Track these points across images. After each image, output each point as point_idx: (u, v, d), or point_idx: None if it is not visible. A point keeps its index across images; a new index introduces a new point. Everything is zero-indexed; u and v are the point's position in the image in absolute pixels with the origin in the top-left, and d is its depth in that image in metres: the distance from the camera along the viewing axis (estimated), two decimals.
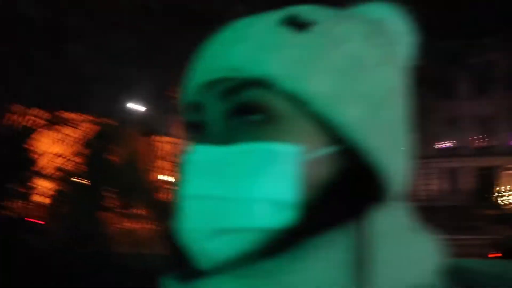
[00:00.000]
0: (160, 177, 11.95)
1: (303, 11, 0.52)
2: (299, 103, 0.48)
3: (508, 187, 24.29)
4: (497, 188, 24.41)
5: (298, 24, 0.50)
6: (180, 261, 0.52)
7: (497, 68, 16.70)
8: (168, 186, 10.44)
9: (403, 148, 0.53)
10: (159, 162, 12.31)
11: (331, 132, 0.49)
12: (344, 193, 0.48)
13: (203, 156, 0.49)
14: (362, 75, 0.50)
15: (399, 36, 0.57)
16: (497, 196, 24.06)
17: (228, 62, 0.50)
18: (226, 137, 0.50)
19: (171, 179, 12.12)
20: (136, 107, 11.09)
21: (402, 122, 0.53)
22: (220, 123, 0.51)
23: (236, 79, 0.50)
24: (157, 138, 14.92)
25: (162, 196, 8.49)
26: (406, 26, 0.58)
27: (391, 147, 0.51)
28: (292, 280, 0.44)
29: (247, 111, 0.50)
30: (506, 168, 24.54)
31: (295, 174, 0.47)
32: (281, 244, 0.46)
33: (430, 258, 0.50)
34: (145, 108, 11.62)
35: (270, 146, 0.48)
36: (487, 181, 24.93)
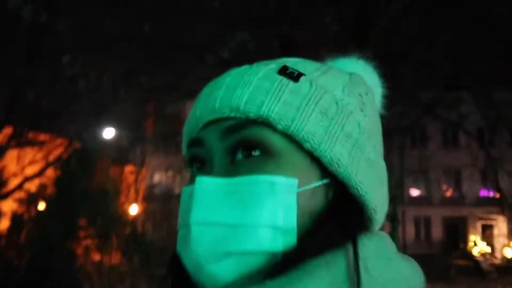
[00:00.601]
0: (133, 207, 11.35)
1: (294, 63, 0.60)
2: (294, 141, 0.55)
3: (478, 237, 24.52)
4: (472, 239, 24.60)
5: (291, 75, 0.57)
6: (184, 285, 0.57)
7: (469, 120, 17.13)
8: (141, 218, 9.88)
9: (382, 182, 0.60)
10: (132, 192, 11.73)
11: (322, 167, 0.56)
12: (335, 220, 0.54)
13: (208, 186, 0.54)
14: (345, 118, 0.57)
15: (372, 87, 0.66)
16: (471, 247, 24.20)
17: (231, 103, 0.56)
18: (228, 170, 0.55)
19: (140, 210, 11.55)
20: (110, 134, 10.54)
21: (380, 160, 0.61)
22: (223, 157, 0.56)
23: (238, 118, 0.56)
24: (131, 167, 14.36)
25: (136, 228, 7.92)
26: (376, 78, 0.69)
27: (372, 181, 0.58)
28: None
29: (247, 147, 0.55)
30: (479, 218, 24.84)
31: (292, 203, 0.53)
32: (282, 265, 0.51)
33: (413, 279, 0.56)
34: (120, 136, 11.10)
35: (269, 178, 0.53)
36: (458, 231, 25.18)
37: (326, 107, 0.56)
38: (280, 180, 0.53)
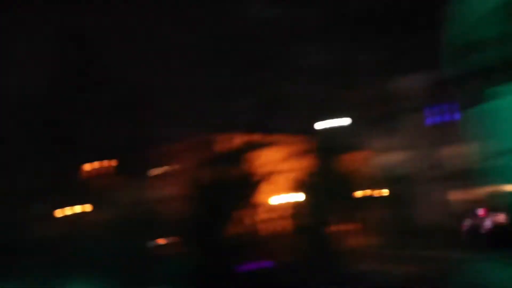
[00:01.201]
0: (370, 192, 11.53)
1: None
2: None
3: None
4: None
5: None
6: None
7: None
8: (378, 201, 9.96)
9: None
10: (365, 177, 11.93)
11: None
12: None
13: None
14: None
15: None
16: None
17: None
18: None
19: (379, 194, 11.64)
20: (344, 122, 10.93)
21: None
22: None
23: None
24: (360, 153, 14.59)
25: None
26: None
27: None
28: None
29: None
30: None
31: None
32: None
33: None
34: (351, 123, 11.37)
35: None
36: None
37: None
38: None
